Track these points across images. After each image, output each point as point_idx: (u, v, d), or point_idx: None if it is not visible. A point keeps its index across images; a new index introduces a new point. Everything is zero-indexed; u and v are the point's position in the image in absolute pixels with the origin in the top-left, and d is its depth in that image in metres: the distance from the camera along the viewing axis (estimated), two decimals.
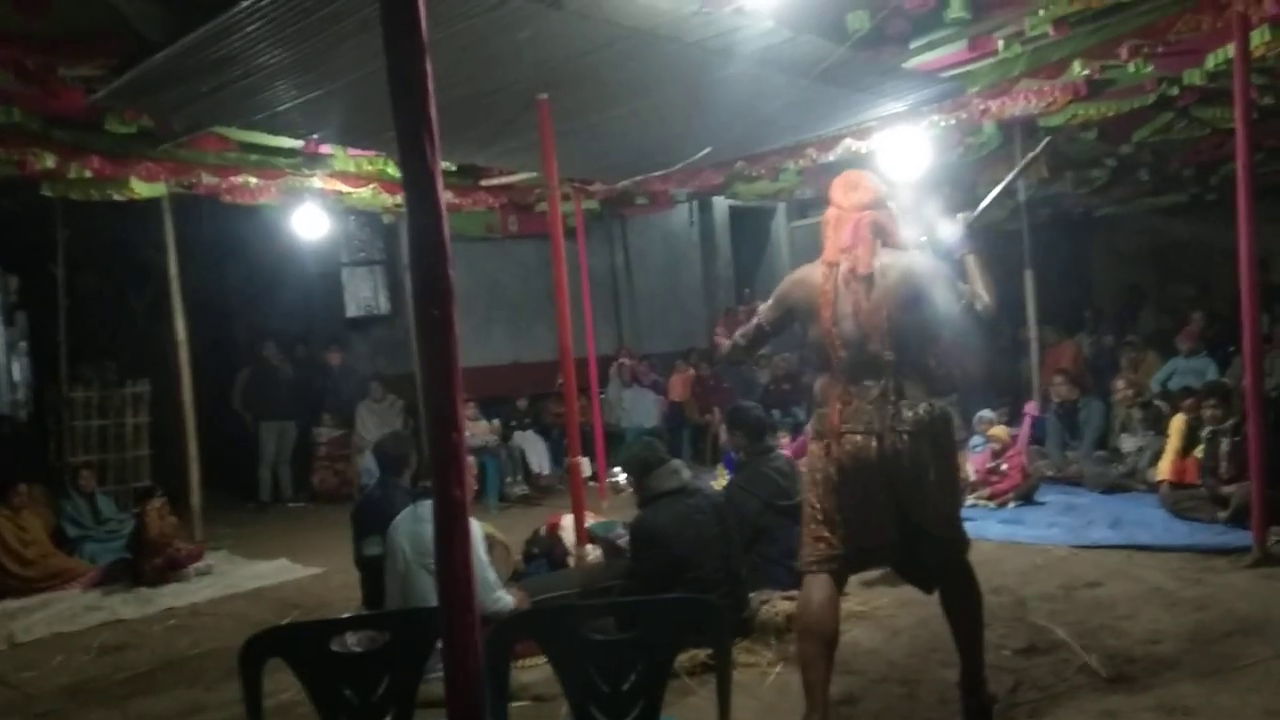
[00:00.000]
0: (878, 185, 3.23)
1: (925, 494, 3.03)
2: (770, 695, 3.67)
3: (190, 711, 4.07)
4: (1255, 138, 5.76)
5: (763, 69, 4.59)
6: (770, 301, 3.38)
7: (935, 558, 3.16)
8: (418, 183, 1.55)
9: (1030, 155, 4.05)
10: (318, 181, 7.01)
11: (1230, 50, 5.38)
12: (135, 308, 10.38)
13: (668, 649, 1.80)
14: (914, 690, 3.65)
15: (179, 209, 7.76)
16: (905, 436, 2.97)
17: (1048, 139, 4.73)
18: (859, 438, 3.01)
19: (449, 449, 1.58)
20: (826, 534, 3.09)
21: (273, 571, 6.66)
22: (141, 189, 6.75)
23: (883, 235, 3.12)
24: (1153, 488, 6.65)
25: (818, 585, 3.09)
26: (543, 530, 5.62)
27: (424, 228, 1.59)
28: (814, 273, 3.17)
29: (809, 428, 3.22)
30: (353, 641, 1.90)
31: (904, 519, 3.06)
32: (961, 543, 3.22)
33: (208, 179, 6.68)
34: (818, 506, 3.13)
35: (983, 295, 3.06)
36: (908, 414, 2.98)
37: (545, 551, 5.40)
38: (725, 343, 3.65)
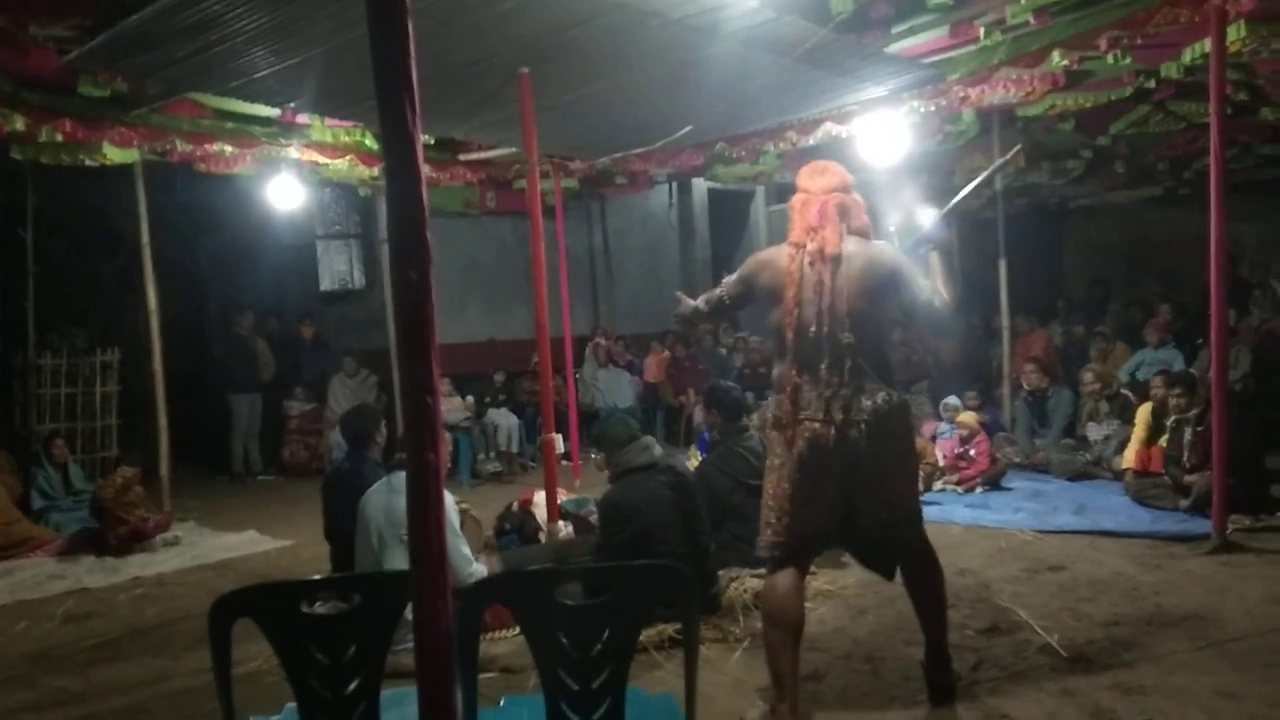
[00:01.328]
0: (844, 173, 3.25)
1: (882, 482, 3.07)
2: (738, 670, 3.71)
3: (156, 679, 4.06)
4: (1228, 132, 5.84)
5: (745, 48, 4.59)
6: (735, 276, 3.39)
7: (897, 542, 3.21)
8: (397, 144, 1.55)
9: (1000, 161, 4.15)
10: (294, 152, 6.93)
11: (1207, 44, 5.44)
12: (105, 276, 10.26)
13: (637, 614, 1.82)
14: (878, 668, 3.70)
15: (152, 176, 7.64)
16: (863, 425, 2.99)
17: (1018, 147, 4.81)
18: (817, 425, 3.02)
19: (424, 414, 1.59)
20: (781, 520, 3.11)
21: (241, 543, 6.63)
22: (114, 154, 6.64)
23: (848, 219, 3.14)
24: (1118, 476, 6.76)
25: (781, 574, 3.12)
26: (515, 506, 5.64)
27: (403, 191, 1.58)
28: (780, 254, 3.18)
29: (768, 414, 3.22)
30: (322, 605, 1.90)
31: (858, 507, 3.10)
32: (918, 524, 3.27)
33: (182, 146, 6.58)
34: (772, 493, 3.14)
35: (942, 292, 3.12)
36: (866, 403, 3.01)
37: (517, 527, 5.41)
38: (689, 302, 3.66)
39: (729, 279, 3.43)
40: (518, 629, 4.19)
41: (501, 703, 2.20)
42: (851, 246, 3.09)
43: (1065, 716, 3.15)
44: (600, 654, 1.75)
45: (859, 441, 2.99)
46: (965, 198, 3.45)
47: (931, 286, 3.13)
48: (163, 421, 7.71)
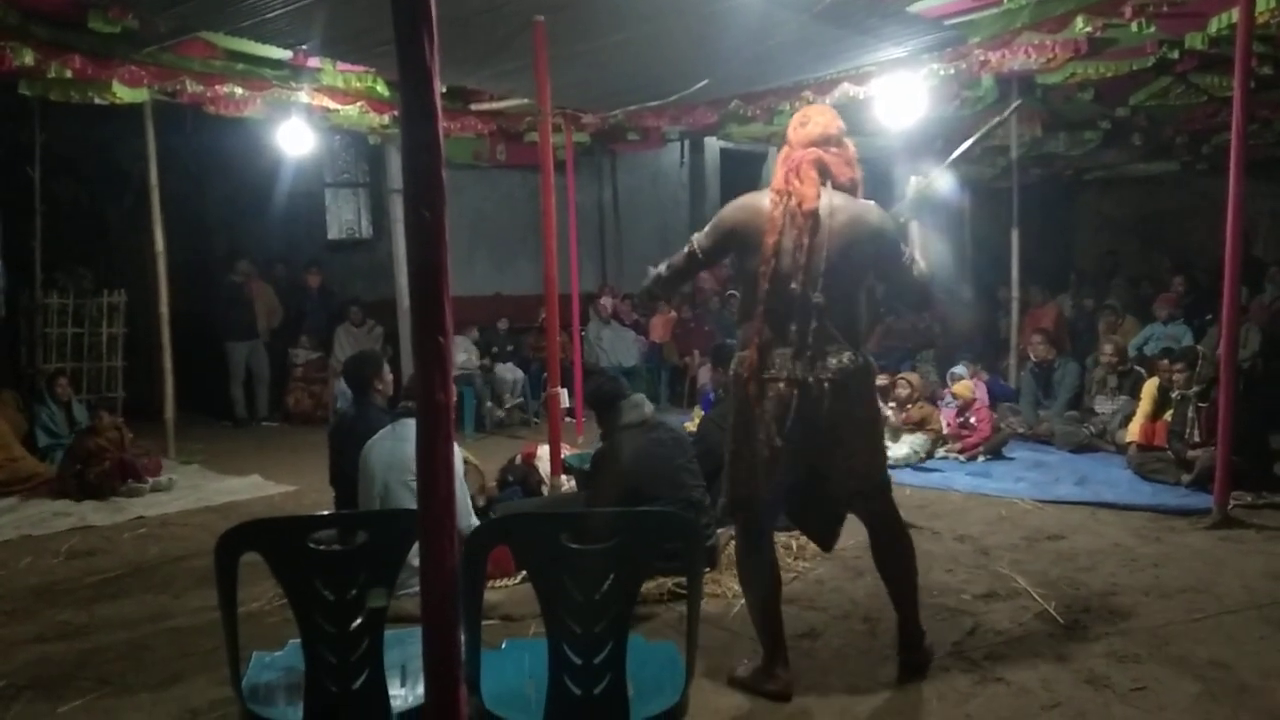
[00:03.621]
0: (831, 123, 3.07)
1: (847, 449, 2.98)
2: (736, 624, 3.73)
3: (157, 616, 4.10)
4: (1249, 107, 5.75)
5: (766, 3, 4.52)
6: (708, 228, 3.16)
7: (867, 514, 3.14)
8: (414, 79, 1.52)
9: (997, 119, 4.02)
10: (304, 96, 6.87)
11: (1234, 15, 5.35)
12: (113, 217, 10.22)
13: (641, 560, 1.82)
14: (874, 628, 3.72)
15: (161, 117, 7.61)
16: (826, 385, 2.91)
17: (1018, 102, 4.66)
18: (780, 385, 2.93)
19: (436, 354, 1.58)
20: (743, 481, 3.02)
21: (245, 487, 6.67)
22: (124, 93, 6.59)
23: (828, 175, 2.99)
24: (1121, 449, 6.77)
25: (747, 535, 3.10)
26: (518, 459, 5.66)
27: (418, 128, 1.56)
28: (762, 199, 3.03)
29: (732, 371, 3.10)
30: (328, 539, 1.91)
31: (824, 475, 3.01)
32: (887, 495, 3.17)
33: (192, 87, 6.52)
34: (734, 451, 3.05)
35: (919, 261, 3.05)
36: (831, 362, 2.92)
37: (519, 480, 5.44)
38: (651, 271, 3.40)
39: (698, 235, 3.19)
40: (519, 578, 4.23)
41: (503, 645, 2.22)
42: (836, 201, 2.96)
43: (1059, 682, 3.17)
44: (604, 598, 1.76)
45: (821, 402, 2.90)
46: (960, 157, 3.35)
47: (911, 253, 3.05)
48: (168, 365, 7.74)
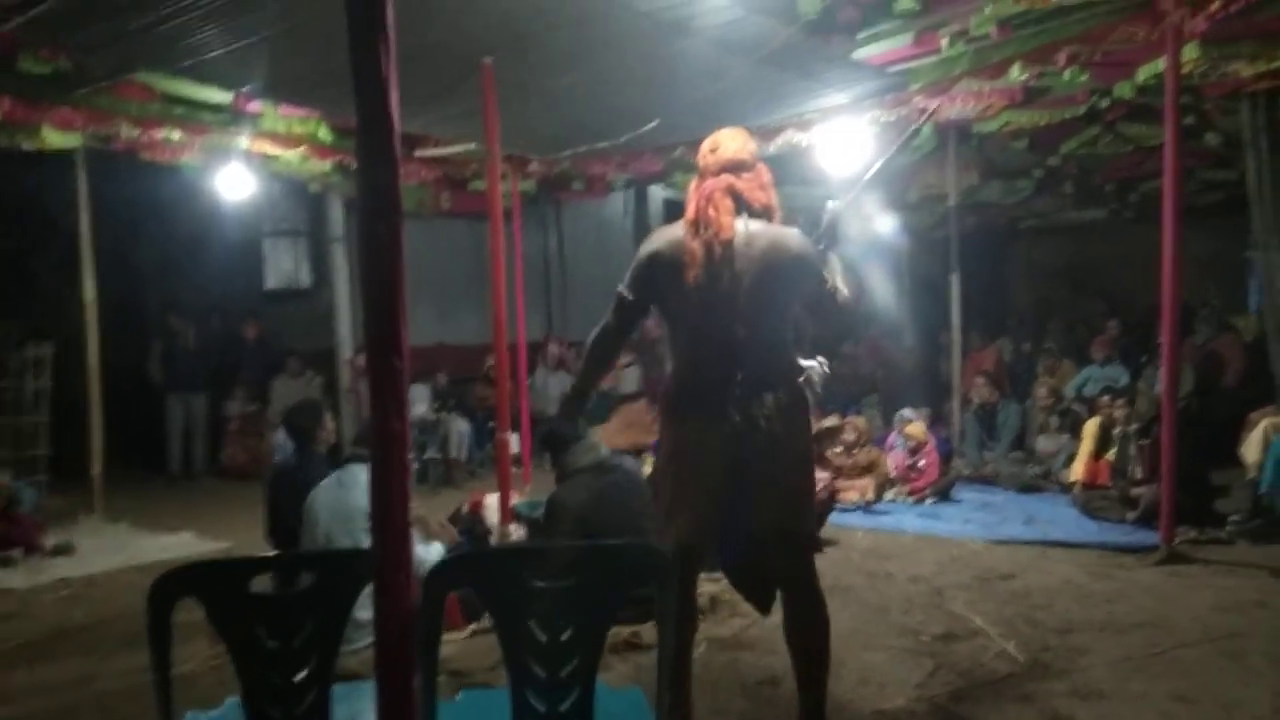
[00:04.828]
0: (743, 147, 2.92)
1: (773, 488, 2.73)
2: (695, 671, 3.60)
3: (83, 681, 3.86)
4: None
5: (713, 47, 4.56)
6: (629, 274, 2.95)
7: (781, 564, 2.81)
8: (370, 86, 1.45)
9: (912, 129, 3.83)
10: (244, 141, 6.72)
11: (1160, 64, 5.55)
12: (40, 266, 9.87)
13: (612, 599, 1.72)
14: (836, 671, 3.61)
15: (94, 163, 7.39)
16: (761, 422, 2.71)
17: (936, 105, 4.49)
18: (703, 422, 2.74)
19: (390, 378, 1.49)
20: (668, 521, 2.82)
21: (177, 545, 6.39)
22: (54, 139, 6.37)
23: (741, 201, 2.82)
24: (1066, 488, 6.84)
25: None
26: (464, 508, 5.50)
27: (374, 140, 1.49)
28: (678, 230, 2.86)
29: (658, 410, 2.94)
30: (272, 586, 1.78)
31: (744, 517, 2.75)
32: (809, 547, 2.87)
33: (127, 132, 6.31)
34: (657, 495, 2.91)
35: (842, 289, 2.88)
36: (765, 397, 2.73)
37: (467, 529, 5.28)
38: (573, 393, 3.25)
39: (621, 287, 2.97)
40: (467, 631, 4.08)
41: (459, 697, 2.09)
42: (753, 227, 2.79)
43: None
44: (571, 640, 1.66)
45: (751, 442, 2.70)
46: (868, 183, 3.20)
47: (833, 281, 2.88)
48: (96, 419, 7.44)
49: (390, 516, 1.50)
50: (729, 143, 2.94)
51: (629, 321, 3.02)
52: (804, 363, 2.86)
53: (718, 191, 2.82)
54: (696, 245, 2.78)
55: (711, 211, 2.79)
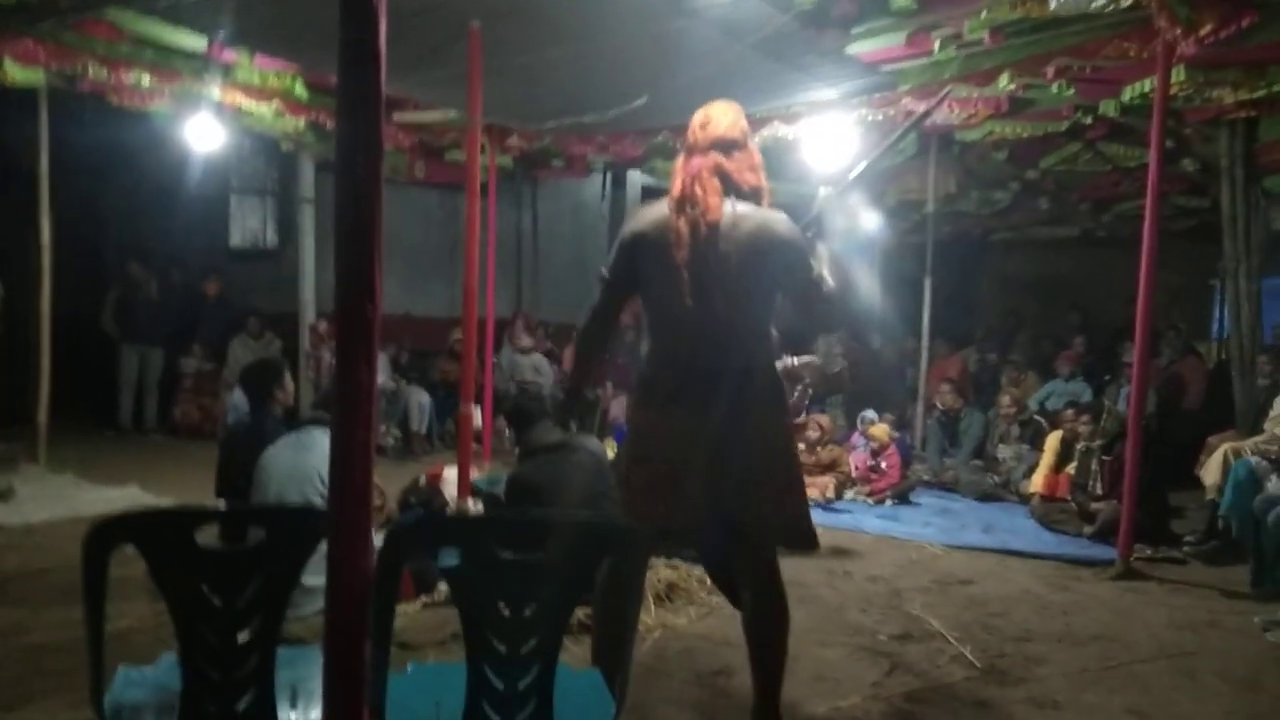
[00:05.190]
0: (734, 124, 2.79)
1: (753, 480, 2.63)
2: (649, 659, 3.56)
3: (10, 632, 3.71)
4: (1142, 179, 5.97)
5: (706, 27, 4.47)
6: (613, 254, 2.83)
7: (746, 556, 2.74)
8: (356, 10, 1.35)
9: (906, 125, 3.71)
10: (216, 91, 6.52)
11: (1147, 85, 5.55)
12: None
13: (579, 573, 1.64)
14: (792, 665, 3.52)
15: (57, 103, 7.14)
16: (740, 409, 2.62)
17: (933, 104, 4.41)
18: (683, 411, 2.64)
19: (361, 321, 1.40)
20: (637, 513, 2.68)
21: (121, 498, 6.20)
22: (16, 73, 6.14)
23: (729, 182, 2.71)
24: (1024, 499, 6.87)
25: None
26: (423, 480, 5.40)
27: (356, 71, 1.39)
28: (662, 208, 2.74)
29: (635, 397, 2.84)
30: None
31: (724, 510, 2.65)
32: (772, 545, 2.75)
33: (95, 71, 6.11)
34: (627, 481, 2.76)
35: (828, 279, 2.74)
36: (741, 385, 2.63)
37: (423, 502, 5.17)
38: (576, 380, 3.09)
39: (603, 268, 2.85)
40: (418, 602, 3.98)
41: (408, 669, 2.00)
42: (739, 209, 2.68)
43: None
44: (535, 615, 1.57)
45: (731, 433, 2.61)
46: (860, 175, 3.11)
47: (819, 271, 2.73)
48: (45, 365, 7.21)
49: (351, 474, 1.41)
50: (720, 118, 2.80)
51: (615, 304, 2.90)
52: (802, 358, 2.80)
53: (705, 170, 2.70)
54: (681, 225, 2.66)
55: (698, 191, 2.68)
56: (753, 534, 2.69)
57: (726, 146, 2.76)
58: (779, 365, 5.84)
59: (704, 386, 2.64)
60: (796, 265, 2.70)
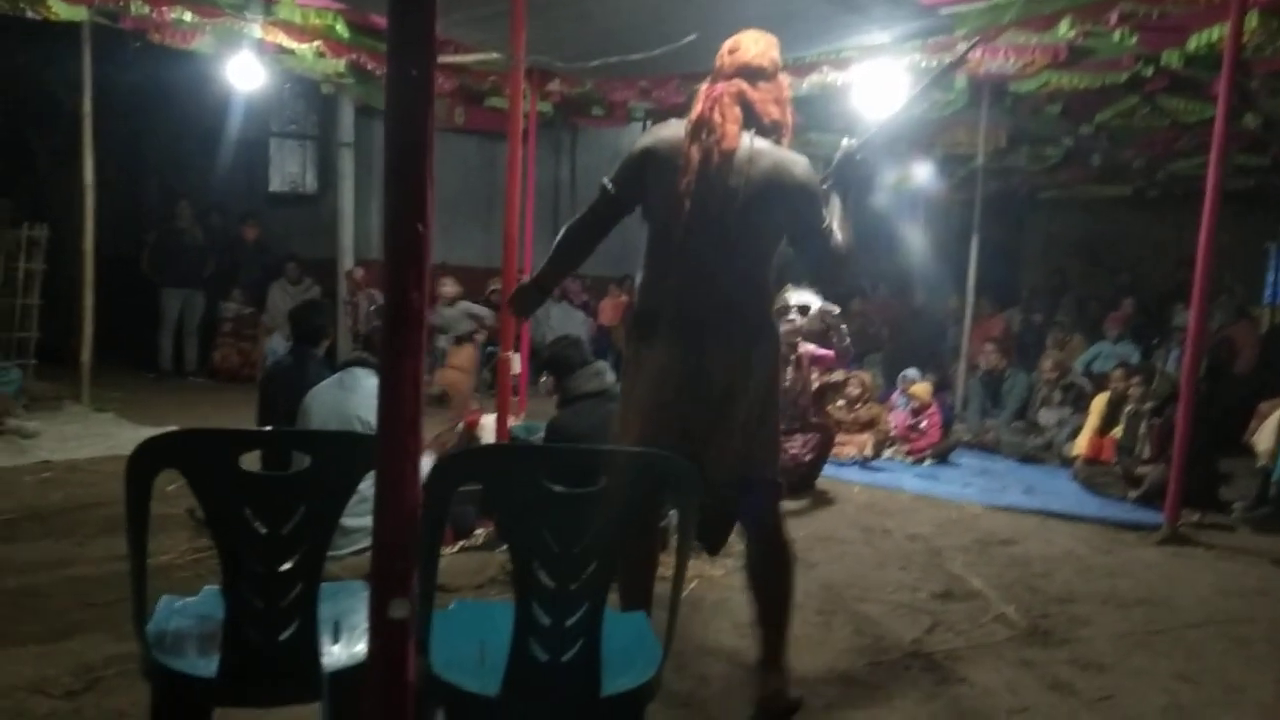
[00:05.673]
0: (764, 52, 2.63)
1: (732, 421, 2.53)
2: (685, 609, 3.52)
3: (56, 564, 3.75)
4: (1205, 137, 5.73)
5: None
6: (622, 164, 2.67)
7: (745, 514, 2.65)
8: None
9: (942, 69, 3.53)
10: (257, 29, 6.45)
11: (1214, 33, 5.32)
12: (38, 146, 9.61)
13: (631, 508, 1.59)
14: (829, 620, 3.55)
15: (100, 42, 7.13)
16: (728, 352, 2.51)
17: (964, 51, 4.20)
18: (676, 349, 2.52)
19: (412, 245, 1.33)
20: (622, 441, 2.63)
21: None
22: (60, 9, 6.12)
23: (751, 113, 2.55)
24: (1067, 462, 6.75)
25: None
26: (460, 426, 5.38)
27: None
28: (678, 130, 2.59)
29: (628, 330, 2.73)
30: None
31: (713, 456, 2.53)
32: (773, 498, 2.67)
33: (137, 9, 6.07)
34: (619, 419, 2.70)
35: (837, 232, 2.62)
36: (734, 327, 2.53)
37: (460, 448, 5.16)
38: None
39: (606, 179, 2.70)
40: (456, 546, 3.98)
41: (451, 606, 1.97)
42: (758, 145, 2.53)
43: (1024, 686, 3.03)
44: (585, 551, 1.53)
45: (715, 369, 2.51)
46: (890, 125, 2.96)
47: (829, 222, 2.62)
48: (88, 304, 7.29)
49: (400, 400, 1.35)
50: (751, 45, 2.64)
51: (608, 218, 2.73)
52: (817, 303, 2.70)
53: (727, 95, 2.55)
54: (695, 150, 2.51)
55: (717, 117, 2.52)
56: (754, 484, 2.60)
57: (753, 74, 2.60)
58: (819, 311, 5.72)
59: (689, 325, 2.52)
60: (809, 211, 2.59)
